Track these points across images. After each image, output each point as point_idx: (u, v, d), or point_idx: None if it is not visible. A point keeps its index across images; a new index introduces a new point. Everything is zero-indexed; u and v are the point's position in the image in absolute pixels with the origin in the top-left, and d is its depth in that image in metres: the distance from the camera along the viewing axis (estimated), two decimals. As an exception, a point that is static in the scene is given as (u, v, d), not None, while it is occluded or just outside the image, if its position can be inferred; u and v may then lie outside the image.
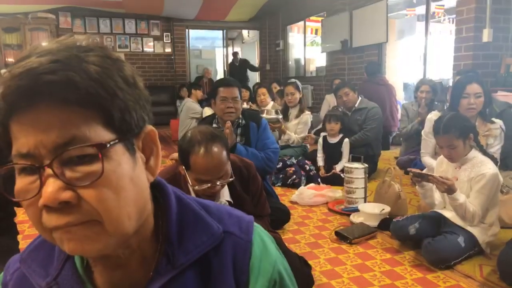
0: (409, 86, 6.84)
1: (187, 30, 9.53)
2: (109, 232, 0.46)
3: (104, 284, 0.55)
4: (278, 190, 3.41)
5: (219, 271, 0.56)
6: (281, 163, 3.70)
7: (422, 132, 3.20)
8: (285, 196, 3.34)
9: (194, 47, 11.41)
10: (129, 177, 0.48)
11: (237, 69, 9.30)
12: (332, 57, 7.40)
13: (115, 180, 0.46)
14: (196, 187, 1.53)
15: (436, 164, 2.39)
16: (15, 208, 1.65)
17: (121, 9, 8.24)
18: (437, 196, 2.26)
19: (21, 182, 0.45)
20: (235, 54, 9.56)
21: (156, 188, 0.58)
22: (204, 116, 4.38)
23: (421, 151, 3.19)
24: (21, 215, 1.82)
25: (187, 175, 1.56)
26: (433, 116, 3.02)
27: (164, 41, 9.18)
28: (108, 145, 0.45)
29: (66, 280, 0.54)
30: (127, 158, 0.48)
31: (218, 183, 1.55)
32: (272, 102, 4.97)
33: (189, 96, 6.07)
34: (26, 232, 2.50)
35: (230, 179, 1.61)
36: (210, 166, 1.50)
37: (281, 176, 3.68)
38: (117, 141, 0.46)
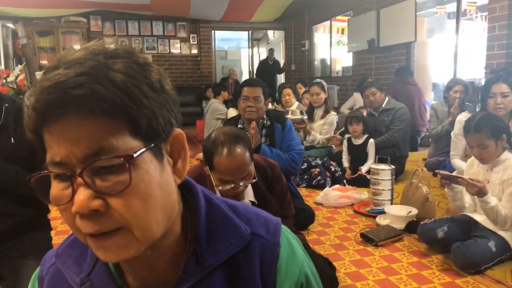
0: (438, 86, 6.66)
1: (213, 31, 9.62)
2: (138, 238, 0.48)
3: (134, 282, 0.57)
4: (302, 191, 3.40)
5: (247, 273, 0.57)
6: (306, 164, 3.68)
7: (452, 133, 3.11)
8: (309, 197, 3.32)
9: (220, 48, 11.51)
10: (157, 183, 0.49)
11: (270, 68, 9.32)
12: (358, 57, 7.30)
13: (143, 188, 0.47)
14: (220, 187, 1.55)
15: (466, 166, 2.32)
16: (49, 205, 1.72)
17: (149, 12, 8.41)
18: (467, 199, 2.19)
19: (55, 188, 0.47)
20: (271, 50, 9.56)
21: (185, 187, 0.59)
22: (229, 117, 4.41)
23: (450, 153, 3.11)
24: (54, 212, 1.89)
25: (211, 175, 1.58)
26: (463, 117, 2.93)
27: (191, 42, 9.30)
28: (135, 155, 0.46)
29: (99, 277, 0.56)
30: (154, 165, 0.49)
31: (241, 184, 1.56)
32: (297, 103, 4.95)
33: (214, 97, 6.13)
34: (59, 228, 2.60)
35: (253, 180, 1.61)
36: (232, 167, 1.52)
37: (306, 177, 3.67)
38: (144, 149, 0.47)
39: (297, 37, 9.78)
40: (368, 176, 3.25)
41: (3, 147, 1.46)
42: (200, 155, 2.11)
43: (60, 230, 2.55)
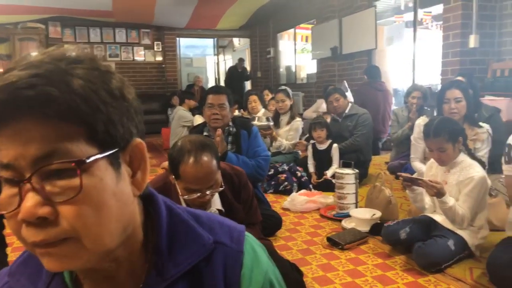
0: (399, 92, 6.91)
1: (178, 38, 9.55)
2: (88, 249, 0.46)
3: None
4: (270, 197, 3.42)
5: (210, 282, 0.56)
6: (272, 170, 3.70)
7: (412, 137, 3.23)
8: (277, 203, 3.34)
9: (185, 55, 11.43)
10: (112, 193, 0.47)
11: (238, 75, 9.35)
12: (322, 63, 7.46)
13: (96, 196, 0.45)
14: (186, 196, 1.53)
15: (425, 169, 2.42)
16: (4, 220, 1.63)
17: (111, 18, 8.25)
18: (427, 200, 2.28)
19: (5, 193, 0.45)
20: (241, 60, 9.61)
21: (146, 199, 0.58)
22: (195, 124, 4.38)
23: (411, 156, 3.22)
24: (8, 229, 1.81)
25: (176, 184, 1.56)
26: (421, 121, 3.06)
27: (155, 49, 9.19)
28: (88, 161, 0.44)
29: None
30: (110, 173, 0.47)
31: (208, 193, 1.55)
32: (263, 109, 4.99)
33: (180, 105, 6.07)
34: (15, 244, 2.47)
35: (221, 189, 1.61)
36: (199, 175, 1.50)
37: (272, 183, 3.68)
38: (98, 156, 0.46)
39: (262, 44, 9.89)
40: (333, 180, 3.31)
41: None
42: (165, 163, 2.08)
43: (16, 247, 2.42)
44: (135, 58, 9.02)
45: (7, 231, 1.67)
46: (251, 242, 0.62)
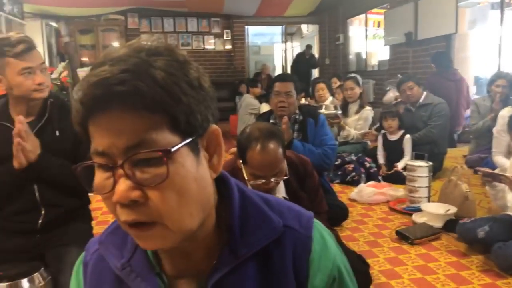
0: (481, 80, 6.37)
1: (246, 26, 9.64)
2: (173, 231, 0.50)
3: (171, 269, 0.59)
4: (336, 187, 3.37)
5: (279, 264, 0.58)
6: (339, 160, 3.64)
7: (494, 130, 2.98)
8: (343, 193, 3.28)
9: (253, 43, 11.51)
10: (193, 177, 0.51)
11: (306, 62, 9.26)
12: (395, 50, 7.10)
13: (179, 181, 0.49)
14: (251, 182, 1.56)
15: (510, 164, 2.22)
16: (90, 196, 1.79)
17: (184, 8, 8.54)
18: (510, 197, 2.09)
19: (99, 177, 0.50)
20: (309, 46, 9.51)
21: (219, 180, 0.60)
22: (261, 111, 4.42)
23: (492, 149, 2.97)
24: (94, 203, 1.97)
25: (243, 169, 1.60)
26: (505, 112, 2.80)
27: (224, 38, 9.37)
28: (173, 149, 0.48)
29: (138, 263, 0.59)
30: (191, 159, 0.51)
31: (272, 180, 1.57)
32: (331, 98, 4.89)
33: (247, 92, 6.16)
34: (99, 218, 2.71)
35: (285, 177, 1.62)
36: (265, 163, 1.52)
37: (339, 173, 3.62)
38: (181, 144, 0.49)
39: (332, 31, 9.63)
40: (404, 172, 3.17)
41: (48, 139, 1.53)
42: (234, 149, 2.13)
43: (100, 221, 2.65)
44: (206, 46, 9.28)
45: (92, 206, 1.83)
46: (320, 229, 0.62)
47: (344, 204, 2.67)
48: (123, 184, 0.47)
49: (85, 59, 8.00)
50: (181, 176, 0.49)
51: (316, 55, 10.08)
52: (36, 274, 1.44)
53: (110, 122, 0.47)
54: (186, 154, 0.50)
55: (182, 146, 0.49)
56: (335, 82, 5.89)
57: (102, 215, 2.76)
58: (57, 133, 1.57)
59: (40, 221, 1.55)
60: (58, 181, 1.55)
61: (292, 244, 0.59)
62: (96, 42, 8.12)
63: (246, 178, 1.58)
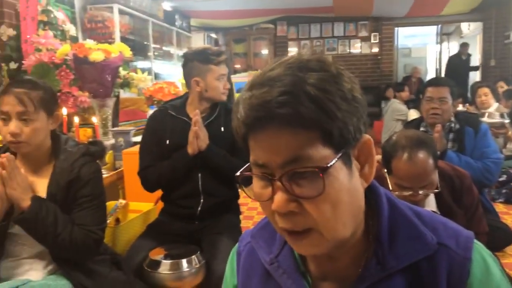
0: None
1: (396, 28, 9.15)
2: (327, 239, 0.52)
3: (316, 271, 0.61)
4: (499, 207, 2.95)
5: (431, 284, 0.54)
6: (505, 176, 3.18)
7: None
8: (508, 214, 2.85)
9: (403, 46, 10.84)
10: (346, 189, 0.52)
11: (462, 64, 8.38)
12: None
13: (334, 194, 0.51)
14: (397, 192, 1.47)
15: None
16: (239, 191, 1.96)
17: (331, 14, 8.57)
18: None
19: (258, 185, 0.55)
20: (464, 45, 8.62)
21: (368, 189, 0.60)
22: (409, 118, 4.14)
23: None
24: (241, 198, 2.14)
25: (388, 179, 1.52)
26: None
27: (372, 41, 9.07)
28: (329, 165, 0.50)
29: (285, 260, 0.62)
30: (344, 172, 0.52)
31: (420, 192, 1.45)
32: (496, 104, 4.28)
33: (394, 97, 5.85)
34: (245, 213, 2.93)
35: (435, 191, 1.48)
36: (412, 174, 1.42)
37: (504, 191, 3.16)
38: (336, 159, 0.51)
39: (499, 27, 8.42)
40: None
41: (214, 133, 1.76)
42: (378, 157, 2.05)
43: (246, 215, 2.87)
44: (351, 50, 9.12)
45: (240, 200, 1.99)
46: (481, 251, 0.56)
47: (508, 227, 2.32)
48: (280, 196, 0.51)
49: (237, 66, 8.73)
50: (336, 189, 0.51)
51: (478, 56, 8.95)
52: (193, 256, 1.63)
53: (268, 139, 0.51)
54: (339, 167, 0.51)
55: (336, 161, 0.51)
56: (502, 87, 5.15)
57: (247, 210, 2.98)
58: (222, 129, 1.80)
59: (199, 209, 1.77)
60: (219, 171, 1.75)
61: (447, 264, 0.54)
62: (248, 50, 8.77)
63: (391, 189, 1.51)
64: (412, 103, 5.87)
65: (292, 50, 8.82)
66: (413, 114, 4.85)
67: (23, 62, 3.20)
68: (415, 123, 2.62)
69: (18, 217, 1.24)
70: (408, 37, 11.13)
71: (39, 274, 1.33)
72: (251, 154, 0.55)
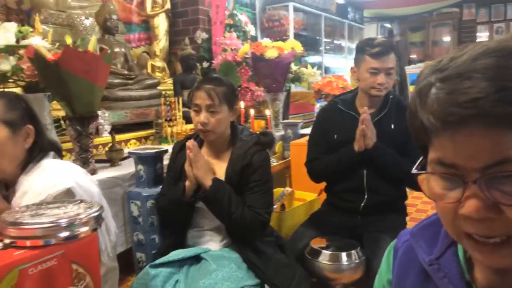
0: None
1: None
2: None
3: (483, 282, 0.55)
4: None
5: None
6: None
7: None
8: None
9: None
10: None
11: None
12: None
13: None
14: None
15: None
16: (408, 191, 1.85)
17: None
18: None
19: (439, 185, 0.50)
20: None
21: None
22: None
23: None
24: (410, 199, 2.01)
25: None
26: None
27: None
28: None
29: (447, 264, 0.57)
30: None
31: None
32: None
33: None
34: (413, 215, 2.74)
35: None
36: None
37: None
38: None
39: None
40: None
41: (384, 131, 1.71)
42: None
43: (413, 217, 2.69)
44: None
45: (408, 201, 1.88)
46: None
47: None
48: (475, 201, 0.46)
49: (413, 56, 8.13)
50: None
51: None
52: (353, 251, 1.61)
53: (470, 139, 0.45)
54: None
55: None
56: None
57: (416, 212, 2.78)
58: (392, 126, 1.73)
59: (362, 204, 1.74)
60: (386, 170, 1.69)
61: None
62: (426, 38, 8.06)
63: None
64: None
65: (481, 35, 7.69)
66: None
67: (213, 61, 3.72)
68: None
69: (202, 194, 1.45)
70: None
71: (216, 245, 1.54)
72: (433, 150, 0.49)
